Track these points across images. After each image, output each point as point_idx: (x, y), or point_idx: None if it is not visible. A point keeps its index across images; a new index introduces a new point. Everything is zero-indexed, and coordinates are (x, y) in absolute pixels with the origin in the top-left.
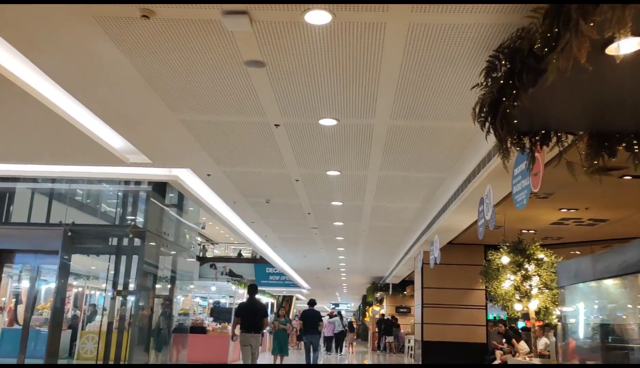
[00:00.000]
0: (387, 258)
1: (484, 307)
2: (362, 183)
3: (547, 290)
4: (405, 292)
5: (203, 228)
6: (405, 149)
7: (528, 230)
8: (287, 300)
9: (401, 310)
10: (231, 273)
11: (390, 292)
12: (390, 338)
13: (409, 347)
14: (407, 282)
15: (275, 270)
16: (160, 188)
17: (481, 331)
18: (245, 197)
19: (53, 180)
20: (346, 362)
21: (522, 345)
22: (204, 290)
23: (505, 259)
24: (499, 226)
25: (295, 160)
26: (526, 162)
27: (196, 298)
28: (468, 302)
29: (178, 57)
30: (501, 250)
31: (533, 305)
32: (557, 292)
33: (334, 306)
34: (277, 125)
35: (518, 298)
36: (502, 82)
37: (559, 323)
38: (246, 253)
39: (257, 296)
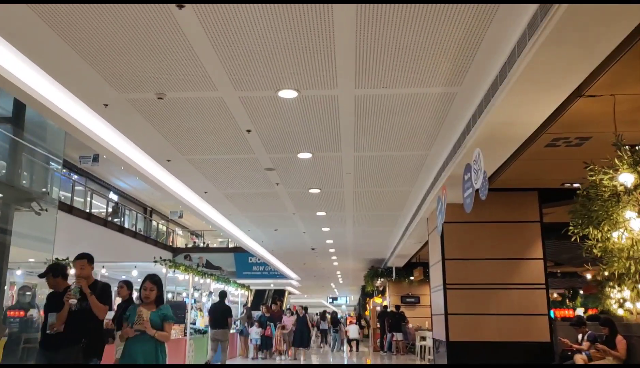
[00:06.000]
0: (388, 229)
1: (544, 286)
2: (328, 39)
3: None
4: (412, 277)
5: (180, 217)
6: None
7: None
8: (279, 297)
9: (408, 299)
10: (208, 265)
11: (394, 277)
12: (399, 336)
13: (421, 346)
14: (414, 264)
15: (259, 259)
16: None
17: (541, 323)
18: (117, 90)
19: None
20: None
21: (622, 345)
22: (123, 273)
23: (627, 178)
24: (582, 140)
25: None
26: None
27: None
28: (517, 279)
29: None
30: (617, 160)
31: None
32: None
33: (332, 300)
34: None
35: None
36: None
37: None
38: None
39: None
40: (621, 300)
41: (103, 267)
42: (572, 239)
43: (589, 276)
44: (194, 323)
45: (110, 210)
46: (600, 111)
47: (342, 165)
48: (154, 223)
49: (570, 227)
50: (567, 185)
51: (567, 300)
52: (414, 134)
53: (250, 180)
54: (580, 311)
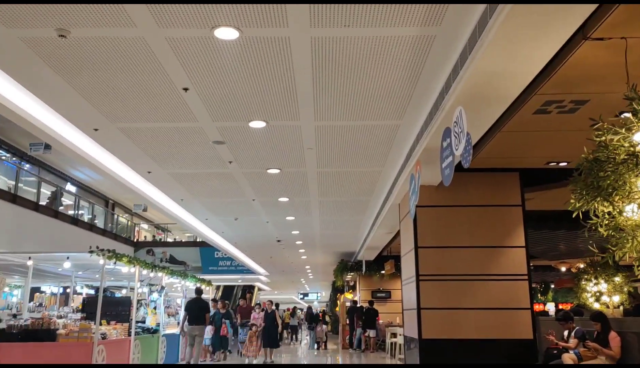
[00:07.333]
0: (357, 218)
1: (526, 277)
2: None
3: None
4: (383, 271)
5: (144, 210)
6: None
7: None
8: (249, 291)
9: (379, 294)
10: (172, 260)
11: (364, 271)
12: (372, 332)
13: (391, 343)
14: (385, 257)
15: (225, 254)
16: None
17: (523, 318)
18: (3, 23)
19: None
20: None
21: (616, 342)
22: (54, 265)
23: None
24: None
25: None
26: None
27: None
28: (497, 270)
29: None
30: (631, 116)
31: None
32: None
33: (302, 296)
34: None
35: None
36: None
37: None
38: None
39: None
40: (597, 293)
41: (30, 258)
42: (574, 214)
43: (563, 269)
44: (144, 322)
45: (50, 196)
46: (606, 62)
47: (301, 138)
48: (115, 216)
49: (572, 201)
50: (553, 164)
51: (539, 294)
52: (385, 94)
53: (199, 157)
54: (551, 306)
